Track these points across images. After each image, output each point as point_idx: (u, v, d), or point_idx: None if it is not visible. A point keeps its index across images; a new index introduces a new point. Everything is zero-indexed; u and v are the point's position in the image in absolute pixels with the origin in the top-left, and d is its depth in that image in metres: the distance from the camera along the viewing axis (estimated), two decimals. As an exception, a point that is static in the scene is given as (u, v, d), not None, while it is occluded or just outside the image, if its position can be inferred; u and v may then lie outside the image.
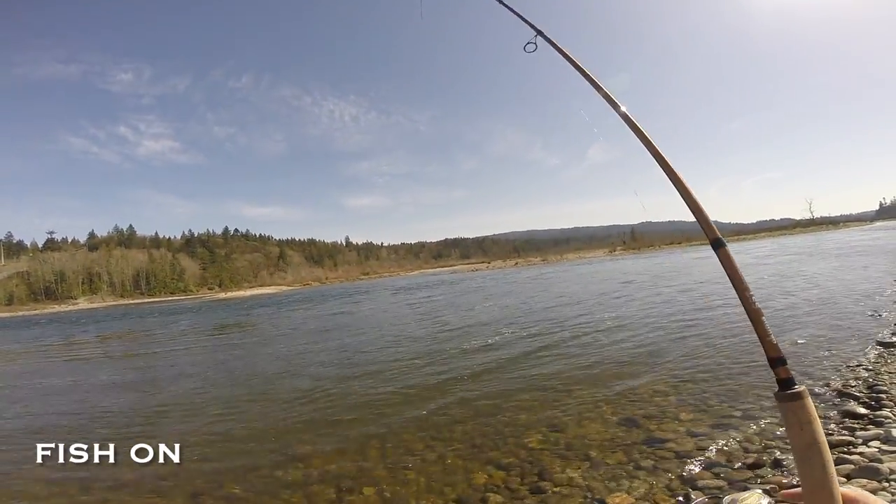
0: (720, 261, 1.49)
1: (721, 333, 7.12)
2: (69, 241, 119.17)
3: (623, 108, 1.98)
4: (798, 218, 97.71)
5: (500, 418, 4.60)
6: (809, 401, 1.14)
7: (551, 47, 2.12)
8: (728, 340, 6.65)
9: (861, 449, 3.02)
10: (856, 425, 3.44)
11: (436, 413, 4.98)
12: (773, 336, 1.22)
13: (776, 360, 1.13)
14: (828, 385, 4.43)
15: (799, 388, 1.09)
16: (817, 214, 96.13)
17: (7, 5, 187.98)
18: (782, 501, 1.51)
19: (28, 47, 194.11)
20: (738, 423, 3.75)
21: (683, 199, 1.81)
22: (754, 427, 3.62)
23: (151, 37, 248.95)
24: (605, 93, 2.05)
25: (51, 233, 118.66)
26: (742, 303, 1.35)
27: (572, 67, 2.18)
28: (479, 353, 7.71)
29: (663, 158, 1.86)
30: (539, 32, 2.22)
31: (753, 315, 1.23)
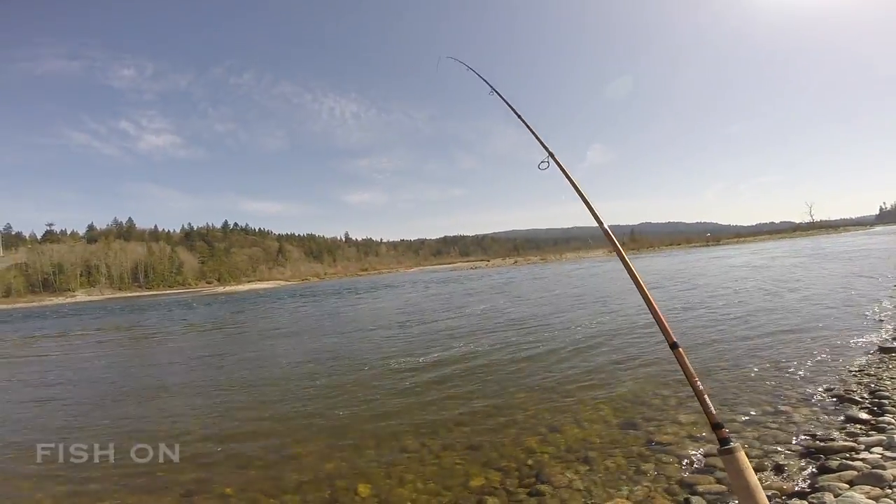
0: (676, 359, 1.94)
1: (722, 340, 7.08)
2: (68, 233, 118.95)
3: (606, 225, 2.52)
4: (798, 221, 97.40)
5: (497, 419, 4.54)
6: (742, 453, 1.70)
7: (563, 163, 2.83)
8: (729, 346, 6.63)
9: (864, 455, 2.96)
10: (858, 431, 3.40)
11: (433, 413, 4.92)
12: (712, 408, 1.79)
13: (716, 425, 1.76)
14: (829, 390, 4.39)
15: (734, 444, 1.69)
16: (817, 218, 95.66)
17: (10, 1, 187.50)
18: None
19: (31, 43, 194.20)
20: (740, 428, 3.70)
21: (643, 298, 2.13)
22: (756, 432, 3.58)
23: (154, 33, 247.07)
24: (595, 213, 2.53)
25: (50, 225, 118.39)
26: (692, 388, 1.86)
27: (572, 187, 2.68)
28: (477, 353, 7.68)
29: (635, 276, 2.18)
30: (551, 154, 2.87)
31: (700, 395, 1.81)
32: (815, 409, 4.00)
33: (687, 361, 1.91)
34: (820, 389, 4.44)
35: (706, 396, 1.81)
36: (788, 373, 5.06)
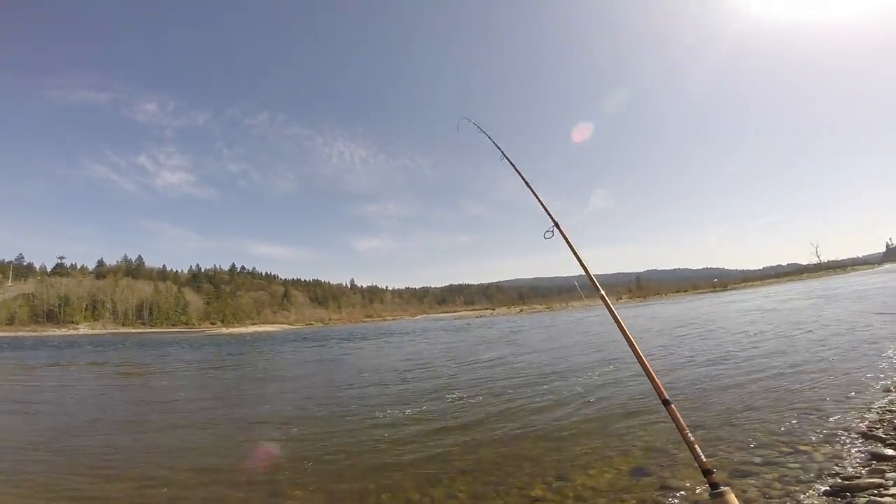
0: (669, 414, 2.11)
1: (739, 383, 6.90)
2: (78, 267, 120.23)
3: (602, 292, 2.76)
4: (805, 262, 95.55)
5: (503, 467, 4.39)
6: (732, 496, 1.86)
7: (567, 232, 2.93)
8: (746, 389, 6.45)
9: (892, 490, 2.91)
10: (885, 467, 3.32)
11: (436, 460, 4.75)
12: (703, 456, 1.98)
13: (706, 472, 1.95)
14: (851, 428, 4.31)
15: (723, 489, 1.87)
16: (824, 259, 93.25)
17: (49, 30, 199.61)
18: None
19: (64, 72, 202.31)
20: (758, 470, 3.58)
21: (636, 357, 2.24)
22: (775, 473, 3.46)
23: (178, 70, 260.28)
24: (595, 283, 2.74)
25: (61, 258, 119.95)
26: (683, 439, 2.01)
27: (574, 257, 2.79)
28: (483, 401, 7.47)
29: (624, 330, 2.27)
30: (556, 224, 2.94)
31: (690, 445, 1.99)
32: (837, 447, 3.90)
33: (679, 416, 2.10)
34: (841, 428, 4.35)
35: (696, 446, 2.01)
36: (808, 413, 4.96)
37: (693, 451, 1.99)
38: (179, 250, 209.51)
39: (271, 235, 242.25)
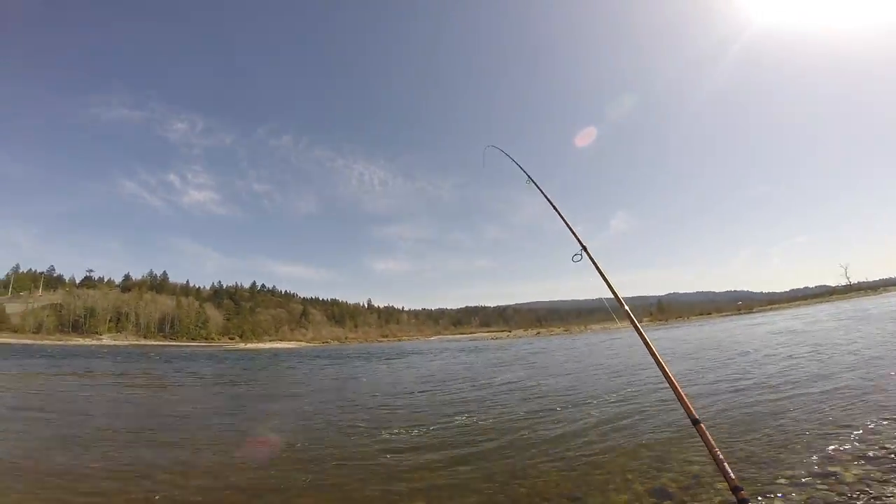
0: (698, 432, 2.13)
1: (770, 403, 6.70)
2: (105, 280, 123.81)
3: (630, 314, 2.73)
4: (833, 284, 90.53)
5: (516, 488, 4.29)
6: None
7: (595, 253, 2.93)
8: (777, 409, 6.26)
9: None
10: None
11: (447, 479, 4.64)
12: (731, 473, 2.00)
13: (735, 489, 1.99)
14: (884, 448, 4.20)
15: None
16: (853, 280, 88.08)
17: (94, 49, 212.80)
18: None
19: (105, 89, 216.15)
20: (784, 491, 3.44)
21: (664, 377, 2.28)
22: (804, 495, 3.31)
23: (209, 91, 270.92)
24: (628, 312, 2.76)
25: (90, 271, 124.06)
26: (713, 458, 2.06)
27: (602, 280, 2.91)
28: (499, 421, 7.35)
29: (652, 350, 2.37)
30: (584, 248, 2.96)
31: (720, 464, 2.02)
32: (868, 467, 3.76)
33: (709, 436, 2.13)
34: (873, 448, 4.21)
35: (725, 464, 2.04)
36: (841, 434, 4.79)
37: (722, 469, 2.00)
38: (202, 267, 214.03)
39: (291, 255, 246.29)
